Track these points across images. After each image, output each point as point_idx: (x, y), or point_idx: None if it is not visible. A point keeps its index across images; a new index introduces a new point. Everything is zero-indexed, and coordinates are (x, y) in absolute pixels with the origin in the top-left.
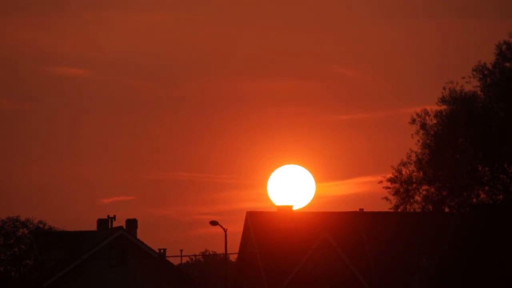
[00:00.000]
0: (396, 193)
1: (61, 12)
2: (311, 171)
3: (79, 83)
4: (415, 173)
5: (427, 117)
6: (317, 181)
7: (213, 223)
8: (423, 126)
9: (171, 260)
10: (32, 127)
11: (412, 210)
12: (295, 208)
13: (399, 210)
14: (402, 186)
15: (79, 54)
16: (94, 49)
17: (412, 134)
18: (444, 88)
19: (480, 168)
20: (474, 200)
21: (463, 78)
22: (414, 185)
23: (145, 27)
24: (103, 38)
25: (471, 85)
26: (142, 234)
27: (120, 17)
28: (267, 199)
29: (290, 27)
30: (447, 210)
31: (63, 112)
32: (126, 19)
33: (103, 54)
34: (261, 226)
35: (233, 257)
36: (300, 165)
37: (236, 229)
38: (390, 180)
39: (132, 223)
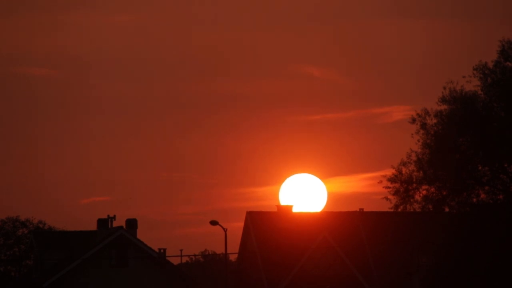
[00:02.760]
0: (396, 193)
1: (28, 11)
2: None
3: (50, 83)
4: (415, 173)
5: (427, 117)
6: (279, 182)
7: (213, 223)
8: (423, 125)
9: (171, 260)
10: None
11: (412, 210)
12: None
13: (399, 210)
14: (402, 186)
15: (47, 54)
16: (62, 49)
17: (412, 134)
18: (444, 88)
19: (480, 168)
20: (474, 200)
21: (464, 77)
22: (414, 185)
23: (115, 27)
24: (71, 38)
25: (472, 85)
26: (142, 234)
27: (89, 17)
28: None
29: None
30: (447, 210)
31: (36, 113)
32: (95, 20)
33: (71, 54)
34: (261, 226)
35: (233, 257)
36: (311, 173)
37: (237, 228)
38: (390, 179)
39: (132, 223)
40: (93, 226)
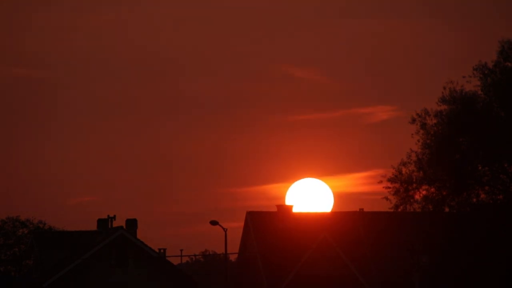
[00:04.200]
0: (396, 193)
1: (15, 12)
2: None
3: (35, 83)
4: (415, 173)
5: (427, 117)
6: (276, 181)
7: (213, 223)
8: (423, 126)
9: (171, 260)
10: None
11: (412, 210)
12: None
13: (399, 210)
14: (402, 186)
15: (35, 54)
16: (51, 50)
17: (412, 134)
18: (444, 88)
19: (480, 168)
20: (474, 200)
21: (464, 77)
22: (414, 185)
23: (98, 27)
24: (58, 38)
25: (472, 85)
26: (142, 234)
27: (72, 17)
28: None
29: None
30: (447, 210)
31: (21, 113)
32: (80, 19)
33: (59, 54)
34: (261, 226)
35: (233, 257)
36: (318, 178)
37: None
38: (390, 179)
39: (132, 223)
40: (93, 226)
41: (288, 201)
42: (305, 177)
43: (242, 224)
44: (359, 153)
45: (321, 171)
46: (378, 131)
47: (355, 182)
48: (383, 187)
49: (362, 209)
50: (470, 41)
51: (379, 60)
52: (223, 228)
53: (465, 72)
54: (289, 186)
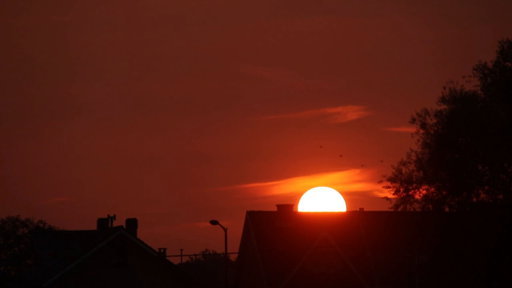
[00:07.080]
0: (396, 192)
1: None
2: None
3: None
4: (415, 173)
5: (427, 117)
6: (259, 181)
7: (213, 222)
8: (423, 125)
9: (171, 260)
10: None
11: (412, 209)
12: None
13: (399, 209)
14: (402, 186)
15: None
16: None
17: (412, 134)
18: (444, 88)
19: (480, 167)
20: (474, 200)
21: (464, 77)
22: (414, 185)
23: (56, 28)
24: (17, 38)
25: (471, 85)
26: (142, 234)
27: (35, 18)
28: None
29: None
30: (447, 210)
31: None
32: (40, 20)
33: (16, 54)
34: (261, 226)
35: (233, 257)
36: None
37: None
38: (390, 179)
39: (132, 223)
40: (93, 226)
41: (301, 210)
42: (291, 176)
43: (242, 224)
44: (333, 152)
45: (296, 171)
46: (348, 131)
47: (333, 181)
48: (383, 187)
49: (362, 208)
50: (454, 41)
51: (349, 59)
52: (223, 228)
53: (444, 72)
54: (273, 185)
